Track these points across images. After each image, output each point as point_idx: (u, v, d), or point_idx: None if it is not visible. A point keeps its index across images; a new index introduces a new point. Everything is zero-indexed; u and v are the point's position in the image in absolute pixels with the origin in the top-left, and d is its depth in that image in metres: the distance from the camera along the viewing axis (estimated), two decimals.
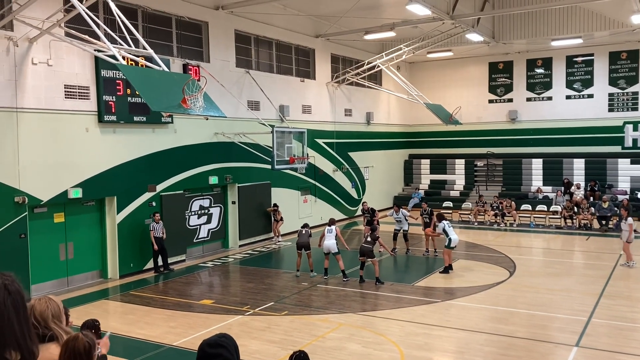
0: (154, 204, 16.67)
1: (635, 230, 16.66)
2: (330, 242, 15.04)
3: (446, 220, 16.26)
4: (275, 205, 21.14)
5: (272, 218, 21.15)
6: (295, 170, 21.14)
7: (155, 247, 16.05)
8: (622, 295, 13.29)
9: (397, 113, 31.38)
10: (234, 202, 19.95)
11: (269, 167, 19.00)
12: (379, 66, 25.60)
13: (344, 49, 26.10)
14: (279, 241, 20.92)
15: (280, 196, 21.80)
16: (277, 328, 11.15)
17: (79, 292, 14.30)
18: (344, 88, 26.20)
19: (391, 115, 30.83)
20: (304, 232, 15.72)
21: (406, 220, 18.50)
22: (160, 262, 16.38)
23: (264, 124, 19.67)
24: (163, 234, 16.17)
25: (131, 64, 13.79)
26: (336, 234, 15.23)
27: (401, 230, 18.52)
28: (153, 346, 10.33)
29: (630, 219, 16.41)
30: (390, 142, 30.70)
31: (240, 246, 19.96)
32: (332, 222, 15.77)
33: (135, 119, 15.88)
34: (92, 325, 6.81)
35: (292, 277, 15.50)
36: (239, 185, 19.86)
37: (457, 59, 30.44)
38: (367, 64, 25.54)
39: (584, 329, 10.70)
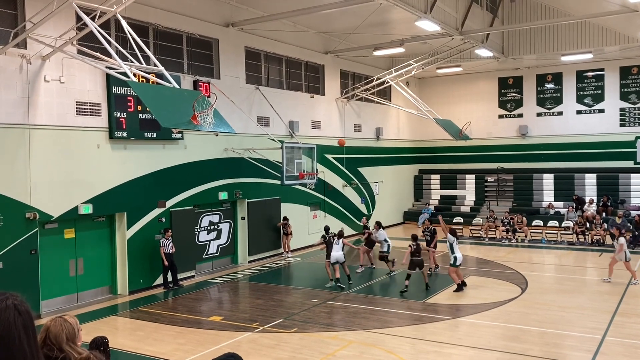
0: (163, 219, 16.70)
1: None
2: (338, 254, 15.93)
3: (457, 237, 16.17)
4: (285, 218, 21.13)
5: (282, 232, 21.12)
6: (304, 185, 21.14)
7: (165, 262, 16.05)
8: (637, 312, 13.07)
9: (406, 128, 31.37)
10: (243, 218, 19.95)
11: (279, 182, 19.02)
12: (388, 82, 25.66)
13: (353, 65, 26.21)
14: (288, 257, 20.86)
15: (290, 211, 21.78)
16: (287, 345, 11.06)
17: (88, 308, 14.29)
18: (354, 104, 26.26)
19: (401, 131, 30.82)
20: (334, 242, 16.14)
21: (386, 241, 17.94)
22: (170, 278, 16.36)
23: (273, 140, 19.72)
24: (172, 249, 16.18)
25: (142, 81, 13.93)
26: (343, 244, 16.15)
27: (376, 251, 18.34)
28: None
29: (622, 239, 16.17)
30: (400, 157, 30.67)
31: (249, 262, 19.92)
32: (341, 234, 16.46)
33: (146, 135, 15.98)
34: (100, 343, 6.77)
35: (302, 294, 15.43)
36: (249, 200, 19.87)
37: (466, 75, 30.46)
38: (377, 80, 25.61)
39: (598, 348, 10.51)
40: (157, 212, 16.57)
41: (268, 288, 16.31)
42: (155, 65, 12.78)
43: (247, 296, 16.08)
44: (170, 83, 12.39)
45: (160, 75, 13.14)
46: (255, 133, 19.85)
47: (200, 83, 17.45)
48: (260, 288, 16.46)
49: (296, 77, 23.05)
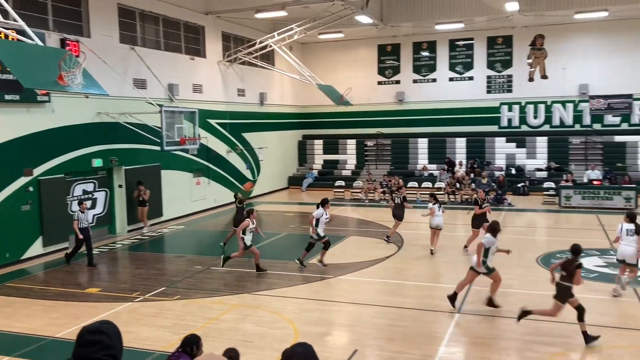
0: (31, 189, 15.53)
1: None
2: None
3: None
4: (139, 182, 19.00)
5: (139, 198, 18.86)
6: (186, 151, 20.54)
7: (80, 236, 14.55)
8: (502, 265, 14.27)
9: (290, 94, 31.44)
10: (120, 186, 19.05)
11: (159, 148, 18.32)
12: (271, 46, 25.42)
13: (235, 27, 25.62)
14: (145, 233, 19.03)
15: (172, 179, 21.17)
16: (169, 313, 10.87)
17: None
18: (237, 67, 25.77)
19: (285, 96, 30.83)
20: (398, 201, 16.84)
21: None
22: (69, 251, 15.02)
23: (151, 104, 18.86)
24: (88, 224, 14.83)
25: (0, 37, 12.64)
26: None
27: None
28: (34, 339, 9.67)
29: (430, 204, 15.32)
30: (284, 123, 30.74)
31: (128, 232, 19.15)
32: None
33: (7, 97, 14.62)
34: None
35: (184, 261, 15.15)
36: (126, 167, 18.97)
37: (347, 41, 30.95)
38: (259, 43, 25.27)
39: (464, 297, 11.41)
40: (23, 180, 15.35)
41: (149, 257, 15.86)
42: (15, 20, 11.63)
43: (126, 266, 15.52)
44: (32, 40, 11.36)
45: (21, 32, 12.02)
46: (132, 96, 18.86)
47: (68, 42, 16.17)
48: (140, 257, 15.96)
49: (175, 38, 22.11)
